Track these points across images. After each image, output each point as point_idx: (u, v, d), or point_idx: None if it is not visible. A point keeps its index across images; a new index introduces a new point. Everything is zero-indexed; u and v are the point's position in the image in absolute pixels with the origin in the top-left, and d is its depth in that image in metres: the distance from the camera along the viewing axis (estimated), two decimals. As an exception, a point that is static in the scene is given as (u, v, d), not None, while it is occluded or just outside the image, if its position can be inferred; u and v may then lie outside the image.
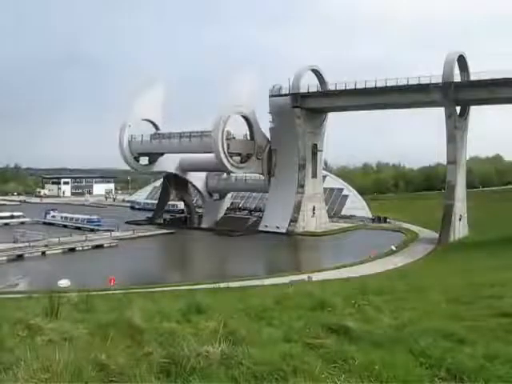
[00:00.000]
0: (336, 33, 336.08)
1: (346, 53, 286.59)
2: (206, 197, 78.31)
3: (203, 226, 74.93)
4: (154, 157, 74.91)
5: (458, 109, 58.73)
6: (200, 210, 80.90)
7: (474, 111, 61.81)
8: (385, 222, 74.30)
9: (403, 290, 10.85)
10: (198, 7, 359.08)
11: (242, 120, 68.15)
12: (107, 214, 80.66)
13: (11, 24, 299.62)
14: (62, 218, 73.38)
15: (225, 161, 64.40)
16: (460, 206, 58.42)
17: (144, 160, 75.71)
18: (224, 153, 63.79)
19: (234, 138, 66.02)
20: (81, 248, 52.69)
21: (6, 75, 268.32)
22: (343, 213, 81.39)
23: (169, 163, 75.44)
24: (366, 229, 69.62)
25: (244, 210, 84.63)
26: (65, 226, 68.91)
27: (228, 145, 64.35)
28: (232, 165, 66.01)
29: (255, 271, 41.55)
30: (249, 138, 69.22)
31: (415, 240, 58.18)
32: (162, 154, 74.44)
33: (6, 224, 69.68)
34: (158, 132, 74.72)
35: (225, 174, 76.81)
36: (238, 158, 67.88)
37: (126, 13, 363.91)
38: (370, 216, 78.30)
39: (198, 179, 78.82)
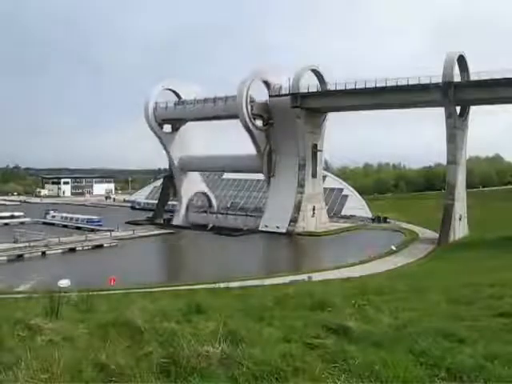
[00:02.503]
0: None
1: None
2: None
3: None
4: (177, 124, 79.62)
5: (458, 109, 58.72)
6: None
7: (475, 111, 61.87)
8: (385, 222, 74.27)
9: (403, 290, 10.84)
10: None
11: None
12: (107, 214, 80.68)
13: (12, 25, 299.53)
14: (62, 217, 73.45)
15: (249, 123, 67.67)
16: (460, 206, 58.38)
17: (167, 128, 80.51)
18: (248, 115, 67.07)
19: (255, 100, 69.23)
20: (81, 248, 52.72)
21: (7, 75, 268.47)
22: (343, 213, 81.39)
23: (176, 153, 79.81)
24: (366, 229, 69.60)
25: (244, 209, 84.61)
26: (65, 226, 69.00)
27: (252, 107, 67.58)
28: (255, 127, 68.98)
29: (255, 271, 41.51)
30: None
31: (415, 240, 58.15)
32: (185, 122, 78.98)
33: (6, 224, 69.75)
34: (183, 100, 78.13)
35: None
36: (260, 122, 70.35)
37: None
38: (370, 216, 78.30)
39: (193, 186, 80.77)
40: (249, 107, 67.47)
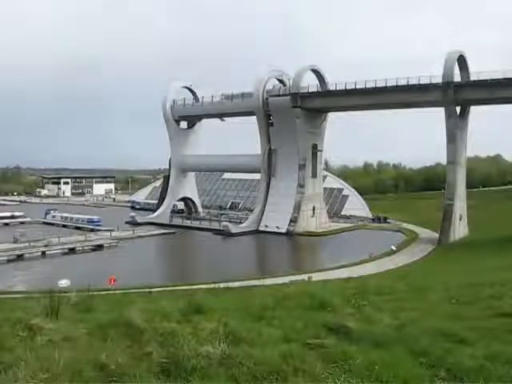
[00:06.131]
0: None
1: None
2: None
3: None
4: (192, 121, 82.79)
5: (458, 109, 58.70)
6: None
7: (475, 111, 61.83)
8: (385, 221, 74.28)
9: (403, 289, 10.83)
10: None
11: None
12: (107, 214, 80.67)
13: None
14: (62, 217, 73.41)
15: (264, 119, 70.82)
16: (460, 206, 58.38)
17: (184, 125, 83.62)
18: (264, 111, 69.93)
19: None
20: (81, 248, 52.71)
21: (9, 76, 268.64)
22: (343, 213, 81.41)
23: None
24: (366, 229, 69.57)
25: (244, 209, 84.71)
26: (65, 226, 68.98)
27: (267, 103, 69.60)
28: (270, 123, 71.62)
29: (255, 271, 41.51)
30: None
31: (415, 240, 58.13)
32: (200, 119, 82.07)
33: (6, 224, 69.72)
34: (200, 97, 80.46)
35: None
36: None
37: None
38: (370, 216, 78.30)
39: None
40: (265, 104, 69.52)
